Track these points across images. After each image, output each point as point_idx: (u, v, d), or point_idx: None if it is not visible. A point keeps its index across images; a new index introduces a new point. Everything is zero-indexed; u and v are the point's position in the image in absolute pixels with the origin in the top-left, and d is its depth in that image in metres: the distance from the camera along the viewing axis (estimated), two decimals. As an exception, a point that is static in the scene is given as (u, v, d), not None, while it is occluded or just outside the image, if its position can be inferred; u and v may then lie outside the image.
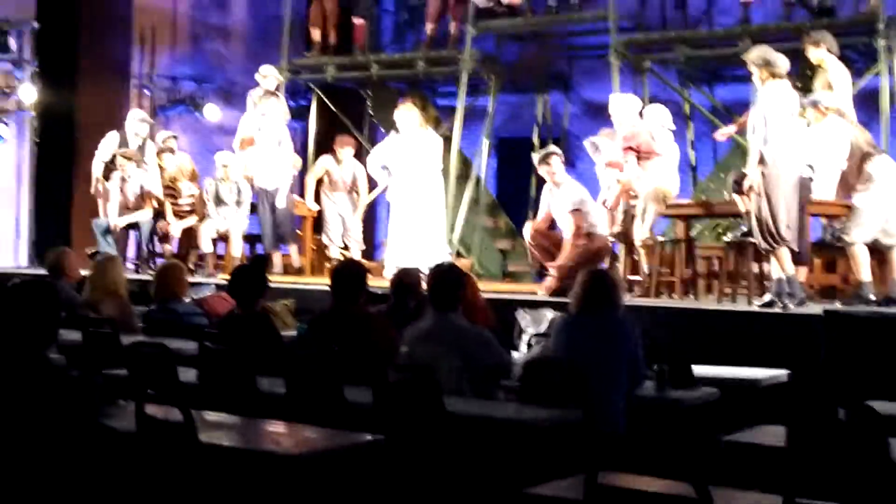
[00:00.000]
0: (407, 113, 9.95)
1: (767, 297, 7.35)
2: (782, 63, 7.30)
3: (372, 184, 10.83)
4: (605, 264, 8.76)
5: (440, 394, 4.43)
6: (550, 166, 8.66)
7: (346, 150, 10.92)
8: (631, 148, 8.57)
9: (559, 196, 8.65)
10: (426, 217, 9.79)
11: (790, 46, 8.53)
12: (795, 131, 7.32)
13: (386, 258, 10.01)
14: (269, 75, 11.48)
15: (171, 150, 11.51)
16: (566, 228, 8.57)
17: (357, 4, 12.76)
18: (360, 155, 11.25)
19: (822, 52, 8.29)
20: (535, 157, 9.07)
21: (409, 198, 9.81)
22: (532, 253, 8.96)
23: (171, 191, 10.88)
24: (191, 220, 10.76)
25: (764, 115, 7.23)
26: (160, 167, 11.16)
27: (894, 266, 7.78)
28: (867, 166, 7.84)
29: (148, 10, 13.86)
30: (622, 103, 8.95)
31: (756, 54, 7.45)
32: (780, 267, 7.31)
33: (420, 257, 9.38)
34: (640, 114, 8.94)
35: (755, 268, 8.01)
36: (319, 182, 11.14)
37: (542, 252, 8.81)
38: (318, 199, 11.12)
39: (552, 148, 9.06)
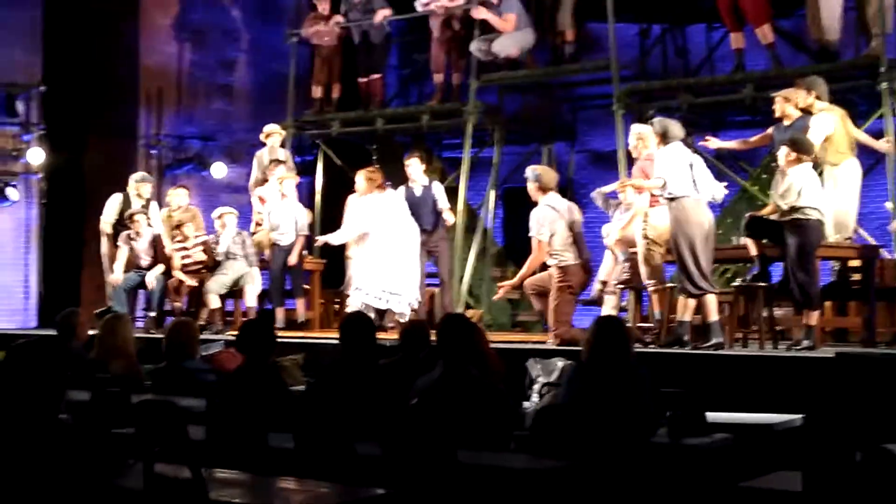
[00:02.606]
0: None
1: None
2: (677, 131, 7.95)
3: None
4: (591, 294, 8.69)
5: (452, 445, 4.39)
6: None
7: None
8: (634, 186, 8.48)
9: None
10: (410, 260, 9.82)
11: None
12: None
13: (352, 291, 9.89)
14: (273, 132, 11.56)
15: (186, 188, 11.64)
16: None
17: (372, 59, 12.77)
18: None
19: (810, 98, 8.50)
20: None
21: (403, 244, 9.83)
22: (532, 302, 9.00)
23: (184, 246, 10.94)
24: (202, 276, 10.78)
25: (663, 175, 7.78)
26: (170, 217, 11.20)
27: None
28: None
29: (154, 72, 14.00)
30: (639, 130, 8.84)
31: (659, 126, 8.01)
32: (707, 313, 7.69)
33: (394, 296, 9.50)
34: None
35: (766, 312, 7.97)
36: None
37: (538, 299, 8.81)
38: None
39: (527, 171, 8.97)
